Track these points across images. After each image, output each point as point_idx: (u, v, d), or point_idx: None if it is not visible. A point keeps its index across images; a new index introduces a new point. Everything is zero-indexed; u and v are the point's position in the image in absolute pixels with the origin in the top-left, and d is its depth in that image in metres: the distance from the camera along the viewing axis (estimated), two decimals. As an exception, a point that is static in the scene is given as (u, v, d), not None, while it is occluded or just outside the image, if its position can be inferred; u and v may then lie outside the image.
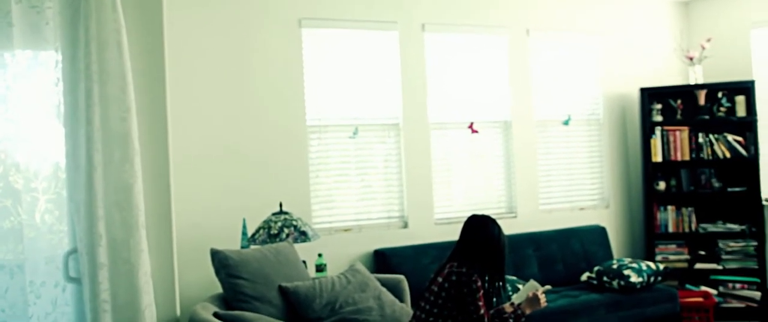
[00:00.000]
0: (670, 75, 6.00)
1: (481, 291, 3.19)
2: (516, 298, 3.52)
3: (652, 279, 4.74)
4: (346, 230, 4.79)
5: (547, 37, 5.53)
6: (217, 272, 3.43)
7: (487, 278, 3.27)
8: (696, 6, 6.06)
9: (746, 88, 5.44)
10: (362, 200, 4.88)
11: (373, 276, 3.84)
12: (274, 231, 3.90)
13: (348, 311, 3.43)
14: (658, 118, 5.60)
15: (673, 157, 5.55)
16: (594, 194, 5.76)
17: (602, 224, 5.62)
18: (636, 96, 5.79)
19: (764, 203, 5.46)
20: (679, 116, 5.63)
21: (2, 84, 3.09)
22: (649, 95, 5.60)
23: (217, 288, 3.71)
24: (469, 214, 3.45)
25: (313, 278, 3.64)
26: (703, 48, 5.65)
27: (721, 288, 5.39)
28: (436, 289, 3.23)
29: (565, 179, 5.63)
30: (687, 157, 5.53)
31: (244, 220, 4.19)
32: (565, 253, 5.19)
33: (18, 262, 3.08)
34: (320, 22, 4.71)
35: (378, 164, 4.94)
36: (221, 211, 4.36)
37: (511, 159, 5.36)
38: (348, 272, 3.76)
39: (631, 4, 5.91)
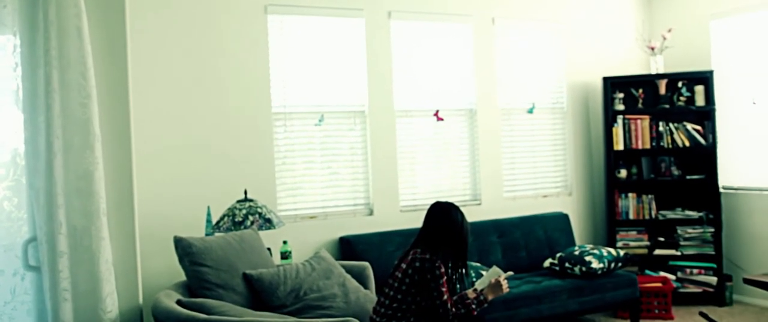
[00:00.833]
0: (632, 65, 6.10)
1: (445, 277, 3.23)
2: (479, 284, 3.57)
3: (612, 265, 4.84)
4: (311, 218, 4.79)
5: (511, 25, 5.58)
6: (181, 260, 3.41)
7: (450, 264, 3.32)
8: (658, -3, 6.17)
9: (705, 78, 5.55)
10: (328, 187, 4.89)
11: (337, 263, 3.85)
12: (238, 219, 3.88)
13: (312, 298, 3.45)
14: (620, 107, 5.70)
15: (634, 146, 5.65)
16: (557, 182, 5.85)
17: (565, 211, 5.71)
18: (599, 85, 5.87)
19: (721, 190, 5.60)
20: (640, 105, 5.73)
21: (-42, 69, 3.03)
22: (611, 84, 5.69)
23: (181, 276, 3.69)
24: (434, 201, 3.49)
25: (278, 266, 3.65)
26: (665, 38, 5.75)
27: (679, 274, 5.52)
28: (399, 275, 3.26)
29: (529, 167, 5.70)
30: (648, 146, 5.63)
31: (208, 207, 4.16)
32: (529, 240, 5.26)
33: (-24, 250, 3.04)
34: (286, 8, 4.69)
35: (344, 151, 4.94)
36: (185, 198, 4.33)
37: (476, 147, 5.40)
38: (313, 259, 3.77)
39: (594, -6, 5.99)
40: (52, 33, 3.04)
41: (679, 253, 5.54)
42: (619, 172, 5.71)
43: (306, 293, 3.48)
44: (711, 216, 5.52)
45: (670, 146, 5.61)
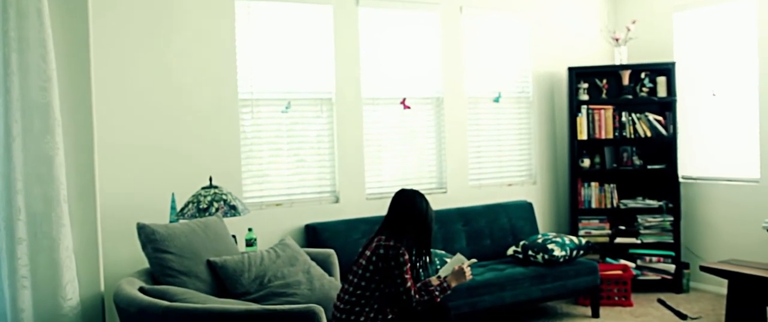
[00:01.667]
0: (597, 55, 6.18)
1: (408, 264, 3.25)
2: (443, 271, 3.61)
3: (574, 253, 4.92)
4: (277, 205, 4.78)
5: (479, 14, 5.60)
6: (144, 247, 3.38)
7: (414, 251, 3.34)
8: (623, -12, 6.24)
9: (667, 70, 5.65)
10: (294, 174, 4.87)
11: (302, 250, 3.85)
12: (203, 205, 3.86)
13: (276, 285, 3.45)
14: (585, 97, 5.77)
15: (597, 136, 5.73)
16: (522, 171, 5.91)
17: (529, 199, 5.78)
18: (564, 75, 5.94)
19: (681, 180, 5.72)
20: (604, 95, 5.81)
21: None
22: (576, 75, 5.76)
23: (145, 263, 3.66)
24: (399, 188, 3.50)
25: (243, 253, 3.63)
26: (629, 30, 5.83)
27: (638, 261, 5.64)
28: (364, 262, 3.28)
29: (495, 155, 5.76)
30: (611, 136, 5.72)
31: (173, 194, 4.13)
32: (493, 228, 5.32)
33: (-70, 236, 2.97)
34: (252, -7, 4.64)
35: (311, 138, 4.93)
36: (149, 185, 4.28)
37: (442, 135, 5.43)
38: (277, 246, 3.77)
39: (561, -16, 6.04)
40: (10, 14, 2.98)
41: (639, 241, 5.65)
42: (582, 161, 5.80)
43: (270, 280, 3.48)
44: (670, 205, 5.64)
45: (633, 136, 5.70)
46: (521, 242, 5.05)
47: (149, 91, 4.30)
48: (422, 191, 3.54)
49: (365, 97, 5.09)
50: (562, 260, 4.83)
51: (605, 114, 5.72)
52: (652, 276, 5.60)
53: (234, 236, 4.02)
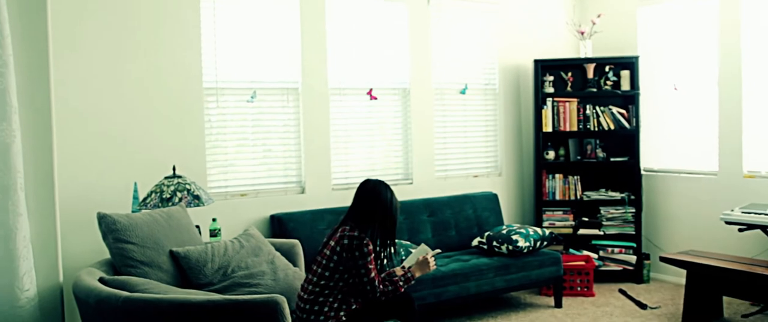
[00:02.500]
0: (562, 48, 6.24)
1: (373, 255, 3.26)
2: (407, 262, 3.62)
3: (538, 244, 4.97)
4: (242, 195, 4.74)
5: (446, 6, 5.61)
6: (105, 237, 3.32)
7: (378, 241, 3.35)
8: (588, -18, 6.31)
9: (631, 64, 5.73)
10: (260, 164, 4.83)
11: (267, 241, 3.83)
12: (166, 195, 3.81)
13: (240, 276, 3.42)
14: (550, 89, 5.83)
15: (562, 128, 5.79)
16: (488, 162, 5.95)
17: (495, 191, 5.82)
18: (530, 67, 5.99)
19: (643, 172, 5.81)
20: (569, 88, 5.87)
21: None
22: (542, 67, 5.80)
23: (105, 254, 3.61)
24: (364, 178, 3.50)
25: (206, 243, 3.60)
26: (594, 23, 5.89)
27: (601, 252, 5.72)
28: (328, 252, 3.28)
29: (461, 147, 5.78)
30: (575, 128, 5.79)
31: (135, 184, 4.07)
32: (459, 219, 5.34)
33: None
34: (218, -19, 4.58)
35: (278, 128, 4.89)
36: (111, 174, 4.20)
37: (409, 126, 5.44)
38: (241, 236, 3.74)
39: (528, -23, 6.08)
40: (-36, -2, 2.89)
41: (601, 232, 5.73)
42: (547, 153, 5.85)
43: (234, 270, 3.45)
44: (632, 197, 5.73)
45: (596, 129, 5.77)
46: (486, 233, 5.09)
47: (111, 77, 4.22)
48: (388, 182, 3.55)
49: (332, 88, 5.07)
50: (526, 250, 4.87)
51: (570, 107, 5.78)
52: (613, 267, 5.69)
53: (198, 227, 3.98)
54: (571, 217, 5.85)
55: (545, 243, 5.04)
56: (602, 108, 5.77)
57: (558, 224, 5.82)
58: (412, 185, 5.43)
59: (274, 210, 4.78)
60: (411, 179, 5.46)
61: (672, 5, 5.67)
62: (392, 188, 3.49)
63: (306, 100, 4.93)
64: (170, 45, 4.41)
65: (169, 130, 4.42)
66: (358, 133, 5.24)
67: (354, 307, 3.30)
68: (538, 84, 5.77)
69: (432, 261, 3.53)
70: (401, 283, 3.36)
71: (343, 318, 3.25)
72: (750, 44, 5.13)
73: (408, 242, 4.73)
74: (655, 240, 5.84)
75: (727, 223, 4.66)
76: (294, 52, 4.90)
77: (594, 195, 5.82)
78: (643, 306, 5.01)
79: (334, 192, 5.06)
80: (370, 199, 3.34)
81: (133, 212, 3.90)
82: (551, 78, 5.84)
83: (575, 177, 5.85)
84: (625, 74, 5.76)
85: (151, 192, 3.86)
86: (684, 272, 4.63)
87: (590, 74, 5.82)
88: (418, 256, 3.59)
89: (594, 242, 5.77)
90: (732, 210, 4.70)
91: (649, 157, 5.85)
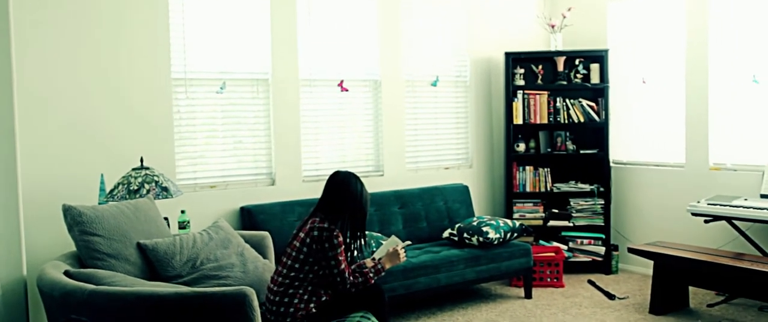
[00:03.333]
0: (533, 41, 6.27)
1: (343, 246, 3.25)
2: (377, 253, 3.62)
3: (508, 235, 5.00)
4: (211, 187, 4.69)
5: (418, -2, 5.61)
6: (70, 229, 3.27)
7: (348, 233, 3.34)
8: (559, -24, 6.34)
9: (600, 57, 5.79)
10: (230, 156, 4.79)
11: (236, 233, 3.80)
12: (134, 187, 3.75)
13: (209, 268, 3.39)
14: (521, 82, 5.86)
15: (532, 120, 5.83)
16: (459, 154, 5.97)
17: (465, 182, 5.85)
18: (501, 60, 6.01)
19: (612, 164, 5.88)
20: (539, 81, 5.91)
21: None
22: (513, 60, 5.83)
23: (71, 247, 3.55)
24: (334, 170, 3.48)
25: (175, 235, 3.56)
26: (564, 17, 5.93)
27: (570, 244, 5.78)
28: (297, 244, 3.26)
29: (432, 139, 5.79)
30: (545, 121, 5.83)
31: (101, 176, 4.00)
32: (429, 210, 5.36)
33: None
34: (186, -30, 4.52)
35: (248, 119, 4.85)
36: (76, 166, 4.13)
37: (380, 118, 5.43)
38: (210, 228, 3.70)
39: (499, -30, 6.09)
40: None
41: (571, 224, 5.79)
42: (517, 145, 5.89)
43: (203, 262, 3.42)
44: (601, 189, 5.79)
45: (566, 122, 5.82)
46: (457, 225, 5.11)
47: (76, 67, 4.14)
48: (359, 174, 3.54)
49: (303, 79, 5.04)
50: (496, 242, 4.90)
51: (540, 99, 5.82)
52: (583, 258, 5.75)
53: (166, 219, 3.93)
54: (541, 208, 5.89)
55: (515, 235, 5.08)
56: (572, 101, 5.82)
57: (528, 215, 5.87)
58: (383, 177, 5.43)
59: (244, 202, 4.75)
60: (382, 170, 5.45)
61: (641, 0, 5.74)
62: (363, 179, 3.49)
63: (276, 92, 4.90)
64: (138, 34, 4.34)
65: (136, 121, 4.35)
66: (329, 124, 5.22)
67: (324, 299, 3.29)
68: (509, 77, 5.80)
69: (402, 253, 3.53)
70: (371, 274, 3.36)
71: (313, 310, 3.24)
72: (717, 39, 5.21)
73: (379, 234, 4.73)
74: (623, 231, 5.91)
75: (694, 214, 4.74)
76: (264, 43, 4.86)
77: (564, 187, 5.87)
78: (611, 297, 5.07)
79: (305, 184, 5.03)
80: (339, 190, 3.33)
81: (99, 204, 3.84)
82: (522, 71, 5.87)
83: (545, 169, 5.89)
84: (594, 67, 5.81)
85: (118, 184, 3.80)
86: (651, 262, 4.70)
87: (560, 67, 5.86)
88: (389, 247, 3.59)
89: (564, 233, 5.83)
90: (698, 202, 4.77)
91: (618, 150, 5.92)
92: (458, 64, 5.91)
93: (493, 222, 5.00)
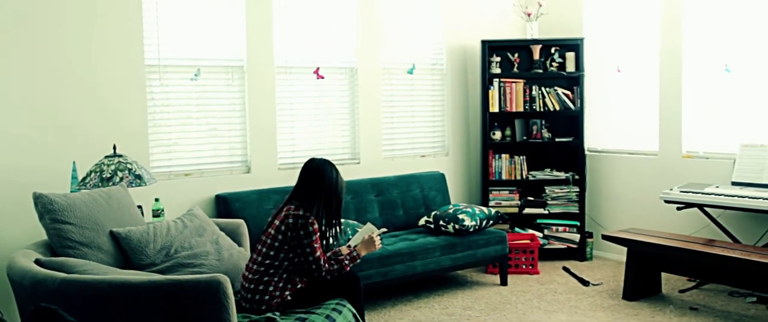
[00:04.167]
0: (509, 30, 6.28)
1: (318, 234, 3.24)
2: (353, 241, 3.62)
3: (484, 223, 5.02)
4: (186, 175, 4.65)
5: (395, -15, 5.59)
6: (41, 218, 3.22)
7: (324, 221, 3.33)
8: (535, -36, 6.35)
9: (576, 45, 5.81)
10: (205, 143, 4.75)
11: (211, 220, 3.78)
12: (106, 175, 3.71)
13: (183, 256, 3.37)
14: (497, 70, 5.87)
15: (508, 109, 5.85)
16: (435, 142, 5.97)
17: (442, 170, 5.86)
18: (477, 48, 6.01)
19: (587, 152, 5.93)
20: (515, 69, 5.93)
21: None
22: (489, 48, 5.84)
23: (42, 236, 3.50)
24: (309, 157, 3.47)
25: (148, 223, 3.53)
26: (540, 5, 5.95)
27: (545, 231, 5.83)
28: (272, 232, 3.25)
29: (408, 127, 5.79)
30: (521, 109, 5.85)
31: (73, 163, 3.95)
32: (406, 198, 5.36)
33: None
34: (159, -45, 4.45)
35: (223, 107, 4.80)
36: (48, 154, 4.06)
37: (356, 106, 5.41)
38: (185, 216, 3.68)
39: (476, -42, 6.09)
40: None
41: (546, 211, 5.83)
42: (493, 133, 5.91)
43: (177, 250, 3.39)
44: (576, 177, 5.84)
45: (542, 110, 5.85)
46: (433, 212, 5.12)
47: (47, 53, 4.06)
48: (335, 162, 3.52)
49: (278, 66, 5.00)
50: (472, 229, 4.93)
51: (516, 87, 5.84)
52: (558, 245, 5.80)
53: (140, 207, 3.89)
54: (516, 196, 5.93)
55: (491, 222, 5.11)
56: (548, 89, 5.85)
57: (504, 203, 5.90)
58: (360, 165, 5.42)
59: (220, 190, 4.72)
60: (358, 158, 5.44)
61: (616, -12, 5.76)
62: (339, 167, 3.48)
63: (251, 79, 4.86)
64: (110, 20, 4.27)
65: (109, 108, 4.29)
66: (305, 112, 5.20)
67: (299, 286, 3.28)
68: (486, 65, 5.81)
69: (377, 240, 3.53)
70: (347, 261, 3.36)
71: (289, 298, 3.23)
72: (690, 29, 5.26)
73: (355, 222, 4.73)
74: (598, 219, 5.97)
75: (667, 202, 4.80)
76: (239, 29, 4.81)
77: (539, 175, 5.91)
78: (585, 283, 5.13)
79: (280, 172, 5.01)
80: (314, 178, 3.32)
81: (71, 192, 3.79)
82: (498, 59, 5.88)
83: (521, 157, 5.92)
84: (570, 56, 5.84)
85: (91, 172, 3.75)
86: (625, 249, 4.75)
87: (536, 56, 5.88)
88: (364, 235, 3.58)
89: (539, 220, 5.87)
90: (671, 189, 4.83)
91: (592, 138, 5.97)
92: (434, 52, 5.90)
93: (469, 210, 5.02)
